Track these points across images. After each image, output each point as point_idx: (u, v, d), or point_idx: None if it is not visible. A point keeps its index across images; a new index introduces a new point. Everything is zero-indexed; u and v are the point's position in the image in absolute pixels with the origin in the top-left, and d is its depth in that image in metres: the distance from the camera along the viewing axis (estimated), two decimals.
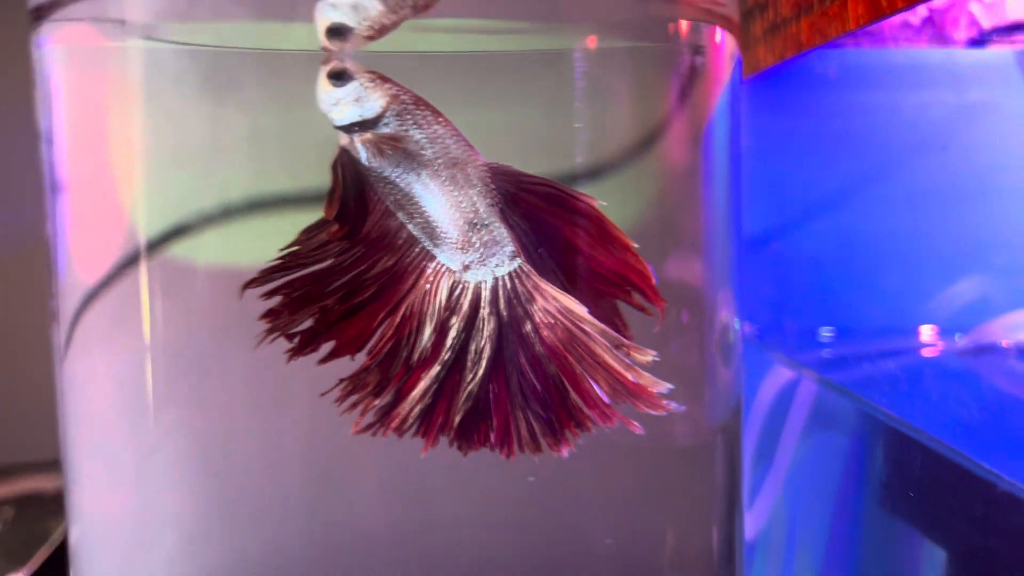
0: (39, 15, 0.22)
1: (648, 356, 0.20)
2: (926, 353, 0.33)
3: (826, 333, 0.35)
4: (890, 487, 0.25)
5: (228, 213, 0.20)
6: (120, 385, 0.22)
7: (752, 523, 0.33)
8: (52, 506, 0.35)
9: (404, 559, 0.22)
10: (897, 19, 0.35)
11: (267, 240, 0.20)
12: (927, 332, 0.35)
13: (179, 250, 0.21)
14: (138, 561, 0.22)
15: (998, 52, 0.35)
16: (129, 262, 0.21)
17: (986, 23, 0.36)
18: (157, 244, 0.21)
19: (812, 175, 0.36)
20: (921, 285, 0.35)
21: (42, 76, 0.22)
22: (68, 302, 0.23)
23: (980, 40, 0.36)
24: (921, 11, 0.35)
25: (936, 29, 0.36)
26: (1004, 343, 0.32)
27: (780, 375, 0.31)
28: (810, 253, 0.35)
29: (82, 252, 0.23)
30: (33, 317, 0.27)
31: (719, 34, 0.21)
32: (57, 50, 0.22)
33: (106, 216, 0.22)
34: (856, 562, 0.27)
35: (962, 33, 0.36)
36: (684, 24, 0.20)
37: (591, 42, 0.20)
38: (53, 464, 0.26)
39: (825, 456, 0.29)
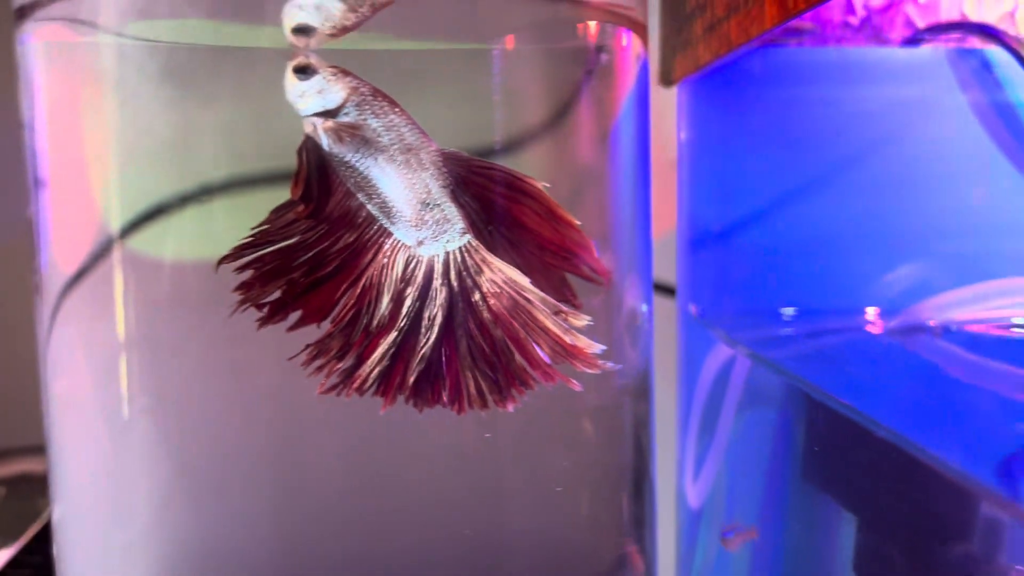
0: (22, 15, 0.24)
1: (583, 321, 0.22)
2: (860, 332, 0.35)
3: (788, 312, 0.37)
4: (807, 454, 0.27)
5: (191, 199, 0.22)
6: (95, 371, 0.24)
7: (698, 492, 0.35)
8: (42, 486, 0.37)
9: (355, 515, 0.24)
10: (837, 20, 0.38)
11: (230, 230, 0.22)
12: (870, 313, 0.37)
13: (148, 238, 0.23)
14: (114, 536, 0.24)
15: (931, 50, 0.37)
16: (102, 246, 0.23)
17: (920, 23, 0.38)
18: (128, 229, 0.23)
19: (764, 168, 0.38)
20: (866, 270, 0.38)
21: (25, 71, 0.24)
22: (50, 284, 0.24)
23: (914, 39, 0.38)
24: (860, 12, 0.38)
25: (874, 29, 0.39)
26: (931, 323, 0.34)
27: (721, 352, 0.33)
28: (757, 241, 0.38)
29: (60, 234, 0.24)
30: (24, 306, 0.29)
31: (625, 37, 0.23)
32: (37, 46, 0.24)
33: (79, 199, 0.24)
34: (783, 529, 0.29)
35: (898, 32, 0.38)
36: (592, 26, 0.22)
37: (507, 42, 0.22)
38: (43, 448, 0.28)
39: (756, 427, 0.31)
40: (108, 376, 0.23)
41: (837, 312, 0.36)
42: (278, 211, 0.22)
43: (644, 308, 0.25)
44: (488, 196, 0.23)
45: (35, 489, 0.40)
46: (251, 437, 0.23)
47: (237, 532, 0.24)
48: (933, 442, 0.22)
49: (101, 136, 0.23)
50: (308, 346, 0.22)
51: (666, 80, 0.38)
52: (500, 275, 0.22)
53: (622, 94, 0.23)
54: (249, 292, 0.22)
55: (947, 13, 0.39)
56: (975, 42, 0.37)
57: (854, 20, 0.38)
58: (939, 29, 0.38)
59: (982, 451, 0.22)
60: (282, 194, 0.22)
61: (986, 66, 0.37)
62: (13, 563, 0.35)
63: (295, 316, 0.22)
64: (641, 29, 0.23)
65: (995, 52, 0.36)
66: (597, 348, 0.22)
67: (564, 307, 0.22)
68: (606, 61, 0.22)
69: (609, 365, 0.22)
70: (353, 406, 0.22)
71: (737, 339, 0.33)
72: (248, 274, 0.22)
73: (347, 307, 0.22)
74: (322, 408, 0.22)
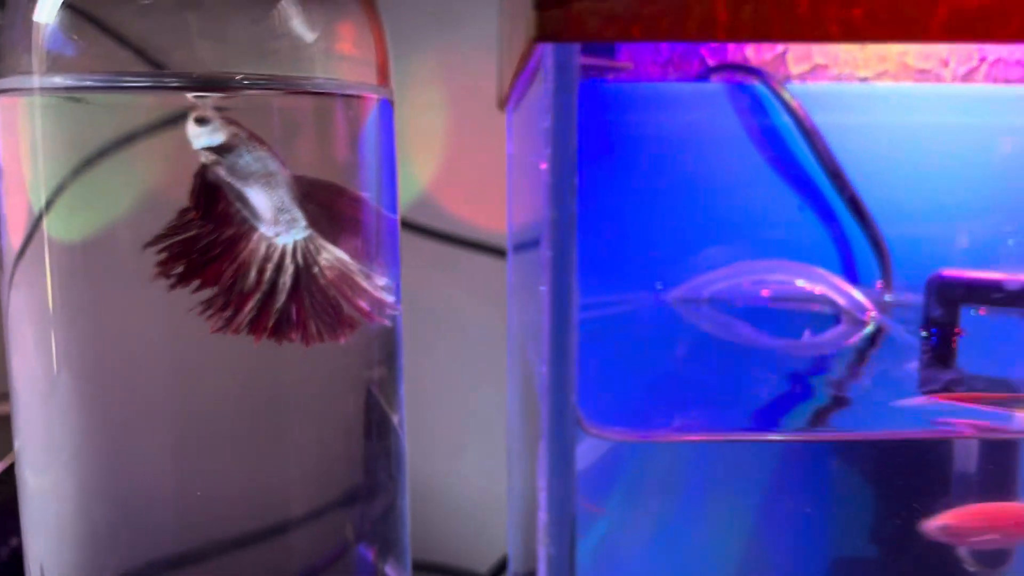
0: None
1: (383, 280, 0.33)
2: (644, 303, 0.47)
3: (658, 285, 0.48)
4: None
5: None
6: (33, 330, 0.34)
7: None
8: None
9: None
10: (647, 60, 0.49)
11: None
12: (674, 290, 0.48)
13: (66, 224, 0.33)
14: (49, 460, 0.34)
15: (715, 85, 0.48)
16: (32, 229, 0.34)
17: (710, 62, 0.49)
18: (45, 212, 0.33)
19: (595, 176, 0.49)
20: (664, 256, 0.49)
21: None
22: (7, 257, 0.34)
23: (705, 76, 0.49)
24: (665, 55, 0.49)
25: (676, 67, 0.50)
26: (704, 294, 0.45)
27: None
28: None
29: (10, 218, 0.34)
30: None
31: (368, 93, 0.35)
32: None
33: (17, 193, 0.34)
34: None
35: (693, 70, 0.49)
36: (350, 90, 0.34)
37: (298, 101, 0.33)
38: None
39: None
40: (40, 339, 0.33)
41: (635, 286, 0.47)
42: (182, 213, 0.33)
43: (391, 285, 0.36)
44: (329, 202, 0.34)
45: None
46: (145, 384, 0.33)
47: (136, 453, 0.34)
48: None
49: (24, 149, 0.33)
50: (202, 302, 0.33)
51: (500, 106, 0.49)
52: (332, 254, 0.33)
53: (364, 126, 0.35)
54: (163, 267, 0.33)
55: (732, 55, 0.50)
56: (748, 79, 0.48)
57: (661, 61, 0.49)
58: (722, 68, 0.48)
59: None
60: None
61: (755, 98, 0.48)
62: None
63: (196, 284, 0.33)
64: (381, 88, 0.35)
65: (761, 87, 0.47)
66: (391, 299, 0.33)
67: (371, 274, 0.33)
68: (355, 108, 0.34)
69: (398, 308, 0.33)
70: (211, 365, 0.33)
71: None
72: (164, 255, 0.33)
73: (228, 277, 0.33)
74: (193, 361, 0.34)
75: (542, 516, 0.22)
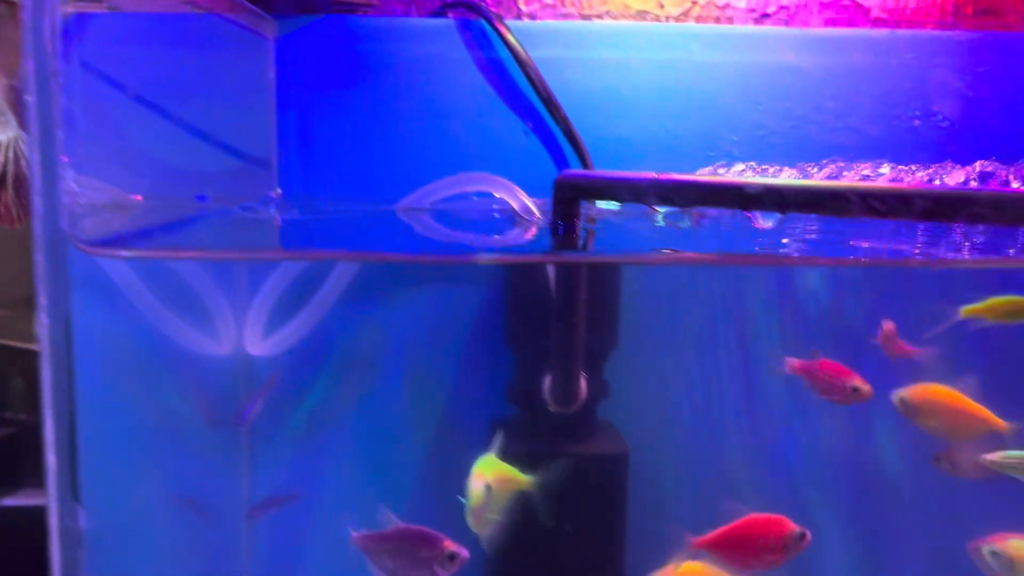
0: None
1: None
2: (376, 211, 0.54)
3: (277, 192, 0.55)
4: None
5: None
6: None
7: None
8: None
9: None
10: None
11: None
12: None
13: None
14: None
15: (449, 21, 0.55)
16: None
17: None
18: None
19: (341, 102, 0.55)
20: (400, 174, 0.56)
21: None
22: None
23: (439, 12, 0.56)
24: None
25: (417, 5, 0.56)
26: (427, 204, 0.52)
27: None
28: (332, 147, 0.56)
29: None
30: None
31: None
32: None
33: None
34: None
35: (431, 6, 0.56)
36: None
37: None
38: None
39: None
40: None
41: (379, 200, 0.54)
42: None
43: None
44: None
45: None
46: None
47: None
48: None
49: None
50: None
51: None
52: None
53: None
54: None
55: None
56: (474, 15, 0.54)
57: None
58: (455, 5, 0.55)
59: None
60: None
61: (482, 33, 0.54)
62: None
63: None
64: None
65: (484, 23, 0.54)
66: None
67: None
68: None
69: None
70: None
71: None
72: None
73: None
74: None
75: (42, 318, 0.30)
